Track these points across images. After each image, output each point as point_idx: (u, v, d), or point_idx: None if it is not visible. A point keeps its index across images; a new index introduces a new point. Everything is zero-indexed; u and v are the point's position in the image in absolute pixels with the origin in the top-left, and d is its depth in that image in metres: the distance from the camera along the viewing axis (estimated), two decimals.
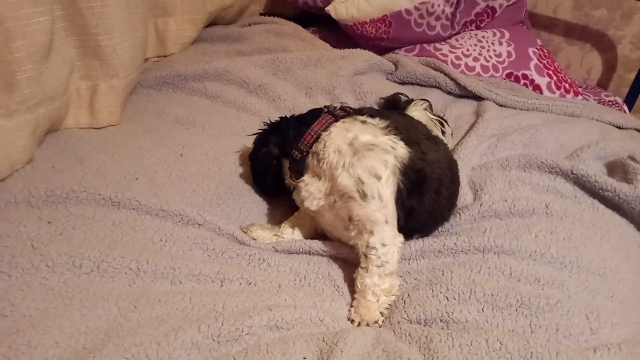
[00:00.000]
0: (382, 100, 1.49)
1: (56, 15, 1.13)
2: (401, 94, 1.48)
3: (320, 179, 0.99)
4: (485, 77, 1.71)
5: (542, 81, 1.73)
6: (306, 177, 1.01)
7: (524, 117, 1.48)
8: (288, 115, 1.13)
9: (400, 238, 0.95)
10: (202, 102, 1.44)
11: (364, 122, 1.00)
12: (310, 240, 1.04)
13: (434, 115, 1.38)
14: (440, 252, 1.01)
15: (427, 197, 0.98)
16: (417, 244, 1.02)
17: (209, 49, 1.69)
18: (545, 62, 1.77)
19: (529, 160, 1.24)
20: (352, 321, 0.91)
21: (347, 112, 1.05)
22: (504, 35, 1.81)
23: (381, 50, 1.76)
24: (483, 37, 1.80)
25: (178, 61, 1.57)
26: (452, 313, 0.87)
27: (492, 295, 0.88)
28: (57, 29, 1.14)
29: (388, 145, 0.95)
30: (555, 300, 0.87)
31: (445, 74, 1.62)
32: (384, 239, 0.91)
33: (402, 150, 0.95)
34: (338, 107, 1.07)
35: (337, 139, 0.97)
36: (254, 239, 1.04)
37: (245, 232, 1.05)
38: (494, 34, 1.81)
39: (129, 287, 0.85)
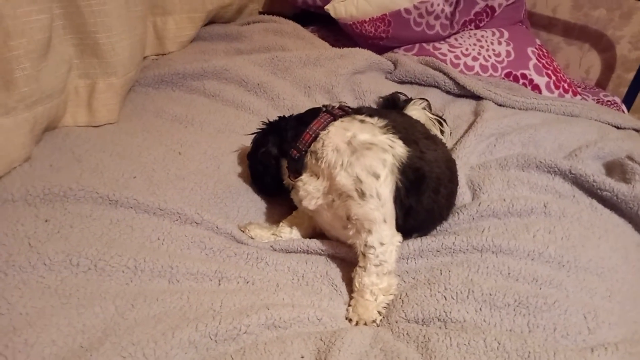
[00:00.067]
0: (381, 99, 1.49)
1: (55, 13, 1.12)
2: (400, 93, 1.48)
3: (318, 178, 0.98)
4: (484, 76, 1.71)
5: (541, 81, 1.73)
6: (304, 177, 1.01)
7: (523, 116, 1.48)
8: (287, 114, 1.13)
9: (398, 237, 0.95)
10: (200, 100, 1.44)
11: (362, 121, 1.00)
12: (308, 239, 1.04)
13: (433, 114, 1.38)
14: (438, 251, 1.01)
15: (425, 196, 0.98)
16: (415, 243, 1.02)
17: (208, 48, 1.69)
18: (544, 61, 1.77)
19: (528, 159, 1.24)
20: (350, 320, 0.91)
21: (346, 112, 1.05)
22: (503, 35, 1.81)
23: (380, 50, 1.76)
24: (482, 36, 1.80)
25: (177, 60, 1.57)
26: (450, 312, 0.87)
27: (490, 294, 0.88)
28: (56, 27, 1.14)
29: (386, 144, 0.95)
30: (553, 299, 0.87)
31: (444, 74, 1.62)
32: (382, 238, 0.91)
33: (400, 149, 0.95)
34: (337, 107, 1.07)
35: (335, 138, 0.97)
36: (252, 238, 1.04)
37: (243, 231, 1.05)
38: (493, 34, 1.81)
39: (127, 285, 0.85)
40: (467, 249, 1.00)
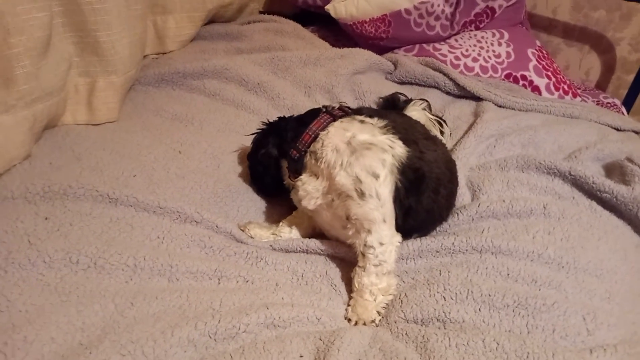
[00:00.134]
0: (381, 99, 1.49)
1: (55, 11, 1.12)
2: (400, 93, 1.48)
3: (317, 178, 0.98)
4: (484, 77, 1.71)
5: (540, 82, 1.73)
6: (304, 177, 1.01)
7: (523, 118, 1.48)
8: (287, 114, 1.13)
9: (398, 237, 0.95)
10: (200, 99, 1.44)
11: (362, 121, 1.00)
12: (307, 239, 1.04)
13: (433, 115, 1.38)
14: (437, 251, 1.01)
15: (425, 197, 0.98)
16: (414, 243, 1.02)
17: (208, 47, 1.69)
18: (544, 63, 1.77)
19: (527, 161, 1.24)
20: (349, 320, 0.91)
21: (346, 112, 1.05)
22: (503, 36, 1.81)
23: (380, 50, 1.76)
24: (482, 37, 1.80)
25: (177, 59, 1.57)
26: (449, 313, 0.87)
27: (489, 295, 0.88)
28: (56, 25, 1.14)
29: (386, 144, 0.95)
30: (552, 300, 0.87)
31: (445, 74, 1.62)
32: (382, 237, 0.91)
33: (400, 149, 0.95)
34: (336, 107, 1.07)
35: (335, 138, 0.97)
36: (252, 237, 1.04)
37: (243, 230, 1.05)
38: (494, 35, 1.81)
39: (126, 283, 0.85)
40: (466, 250, 1.00)
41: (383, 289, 0.92)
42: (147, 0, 1.46)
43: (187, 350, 0.75)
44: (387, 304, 0.94)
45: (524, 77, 1.73)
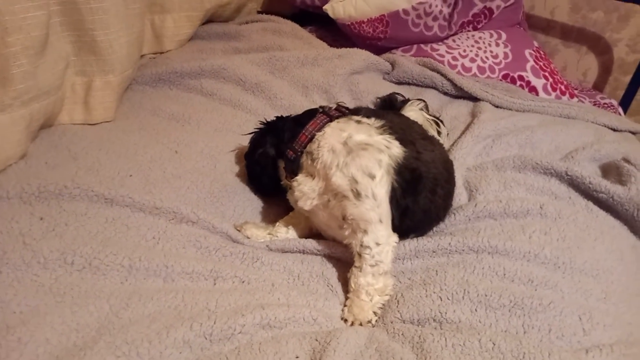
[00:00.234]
0: (378, 100, 1.49)
1: (52, 9, 1.12)
2: (397, 93, 1.48)
3: (314, 179, 0.98)
4: (481, 78, 1.71)
5: (538, 83, 1.73)
6: (299, 177, 1.00)
7: (520, 118, 1.48)
8: (284, 114, 1.12)
9: (394, 237, 0.95)
10: (197, 99, 1.43)
11: (358, 121, 1.00)
12: (304, 239, 1.04)
13: (430, 115, 1.38)
14: (434, 252, 1.01)
15: (422, 197, 0.98)
16: (411, 243, 1.02)
17: (206, 47, 1.69)
18: (541, 63, 1.77)
19: (524, 161, 1.24)
20: (346, 320, 0.91)
21: (342, 112, 1.05)
22: (501, 37, 1.81)
23: (378, 50, 1.76)
24: (480, 38, 1.80)
25: (174, 58, 1.57)
26: (446, 313, 0.87)
27: (486, 295, 0.88)
28: (53, 24, 1.13)
29: (382, 145, 0.94)
30: (549, 301, 0.87)
31: (442, 75, 1.62)
32: (378, 238, 0.91)
33: (396, 149, 0.95)
34: (333, 107, 1.07)
35: (331, 139, 0.97)
36: (248, 238, 1.04)
37: (239, 231, 1.05)
38: (491, 35, 1.81)
39: (121, 284, 0.85)
40: (463, 250, 1.00)
41: (379, 289, 0.92)
42: None
43: (183, 352, 0.75)
44: (383, 305, 0.93)
45: (521, 78, 1.73)
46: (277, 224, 1.08)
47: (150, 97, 1.41)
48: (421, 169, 0.97)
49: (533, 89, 1.73)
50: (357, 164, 0.92)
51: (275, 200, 1.17)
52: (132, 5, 1.32)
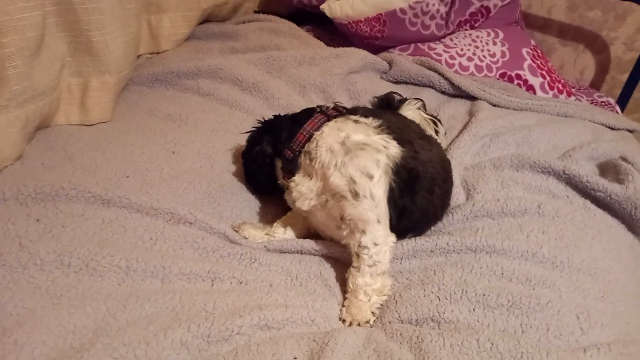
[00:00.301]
0: (375, 99, 1.49)
1: (47, 10, 1.11)
2: (395, 93, 1.47)
3: (311, 179, 0.98)
4: (479, 76, 1.71)
5: (535, 81, 1.73)
6: (297, 177, 1.00)
7: (517, 117, 1.48)
8: (282, 114, 1.12)
9: (392, 237, 0.94)
10: (194, 99, 1.43)
11: (356, 121, 1.00)
12: (302, 239, 1.04)
13: (428, 114, 1.38)
14: (432, 251, 1.01)
15: (419, 197, 0.98)
16: (409, 243, 1.02)
17: (203, 46, 1.68)
18: (538, 62, 1.77)
19: (522, 160, 1.24)
20: (344, 321, 0.91)
21: (340, 112, 1.05)
22: (498, 35, 1.81)
23: (375, 49, 1.76)
24: (477, 36, 1.80)
25: (171, 58, 1.56)
26: (444, 313, 0.87)
27: (484, 295, 0.88)
28: (49, 24, 1.13)
29: (380, 145, 0.94)
30: (546, 300, 0.87)
31: (439, 74, 1.62)
32: (376, 238, 0.91)
33: (394, 149, 0.95)
34: (331, 107, 1.07)
35: (329, 139, 0.96)
36: (246, 238, 1.03)
37: (237, 231, 1.04)
38: (488, 34, 1.81)
39: (118, 286, 0.85)
40: (460, 249, 1.00)
41: (377, 289, 0.92)
42: None
43: (180, 353, 0.75)
44: (381, 305, 0.93)
45: (518, 76, 1.73)
46: (275, 224, 1.08)
47: (147, 98, 1.40)
48: (419, 168, 0.97)
49: (530, 88, 1.73)
50: (355, 164, 0.92)
51: (272, 200, 1.16)
52: (128, 5, 1.31)
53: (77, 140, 1.16)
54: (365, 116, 1.02)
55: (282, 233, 1.07)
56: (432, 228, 1.09)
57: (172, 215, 0.99)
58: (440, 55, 1.72)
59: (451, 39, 1.80)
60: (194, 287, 0.88)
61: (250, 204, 1.16)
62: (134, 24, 1.36)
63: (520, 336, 0.83)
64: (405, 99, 1.41)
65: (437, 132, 1.36)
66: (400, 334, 0.85)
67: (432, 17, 1.75)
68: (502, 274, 0.94)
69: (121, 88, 1.35)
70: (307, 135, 1.00)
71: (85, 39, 1.19)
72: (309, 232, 1.09)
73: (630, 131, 1.52)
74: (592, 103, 1.83)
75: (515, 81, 1.73)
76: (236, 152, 1.24)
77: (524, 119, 1.48)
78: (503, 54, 1.76)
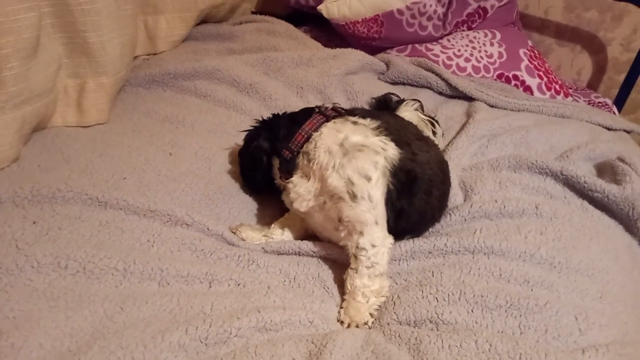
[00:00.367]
0: (373, 100, 1.49)
1: (44, 11, 1.11)
2: (392, 94, 1.48)
3: (309, 180, 0.98)
4: (476, 77, 1.72)
5: (532, 82, 1.73)
6: (295, 178, 1.00)
7: (515, 118, 1.49)
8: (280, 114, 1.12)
9: (390, 239, 0.94)
10: (192, 100, 1.43)
11: (355, 122, 1.00)
12: (300, 241, 1.04)
13: (425, 115, 1.38)
14: (430, 253, 1.01)
15: (417, 198, 0.98)
16: (407, 244, 1.02)
17: (200, 48, 1.68)
18: (536, 63, 1.78)
19: (519, 161, 1.25)
20: (342, 322, 0.91)
21: (339, 113, 1.04)
22: (496, 36, 1.81)
23: (373, 50, 1.76)
24: (474, 37, 1.80)
25: (168, 59, 1.56)
26: (442, 314, 0.87)
27: (482, 296, 0.88)
28: (45, 26, 1.12)
29: (378, 146, 0.94)
30: (545, 301, 0.87)
31: (437, 75, 1.62)
32: (374, 240, 0.91)
33: (392, 151, 0.95)
34: (330, 107, 1.07)
35: (327, 140, 0.96)
36: (243, 240, 1.03)
37: (235, 233, 1.04)
38: (486, 35, 1.81)
39: (116, 288, 0.84)
40: (458, 251, 1.00)
41: (375, 290, 0.92)
42: (138, 0, 1.44)
43: (178, 356, 0.75)
44: (379, 306, 0.93)
45: (515, 77, 1.73)
46: (273, 225, 1.08)
47: (144, 99, 1.40)
48: (416, 170, 0.97)
49: (528, 89, 1.73)
50: (354, 165, 0.92)
51: (270, 201, 1.16)
52: (125, 7, 1.31)
53: (74, 142, 1.15)
54: (364, 117, 1.02)
55: (280, 234, 1.06)
56: (430, 229, 1.09)
57: (170, 217, 0.99)
58: (437, 56, 1.72)
59: (448, 40, 1.80)
60: (192, 289, 0.88)
61: (248, 205, 1.16)
62: (131, 25, 1.36)
63: (519, 337, 0.83)
64: (403, 100, 1.42)
65: (434, 133, 1.36)
66: (399, 336, 0.85)
67: (430, 18, 1.75)
68: (500, 275, 0.94)
69: (118, 89, 1.35)
70: (306, 136, 1.00)
71: (82, 40, 1.19)
72: (307, 234, 1.09)
73: (628, 132, 1.53)
74: (589, 104, 1.83)
75: (513, 82, 1.73)
76: (234, 154, 1.24)
77: (521, 119, 1.48)
78: (500, 55, 1.76)
